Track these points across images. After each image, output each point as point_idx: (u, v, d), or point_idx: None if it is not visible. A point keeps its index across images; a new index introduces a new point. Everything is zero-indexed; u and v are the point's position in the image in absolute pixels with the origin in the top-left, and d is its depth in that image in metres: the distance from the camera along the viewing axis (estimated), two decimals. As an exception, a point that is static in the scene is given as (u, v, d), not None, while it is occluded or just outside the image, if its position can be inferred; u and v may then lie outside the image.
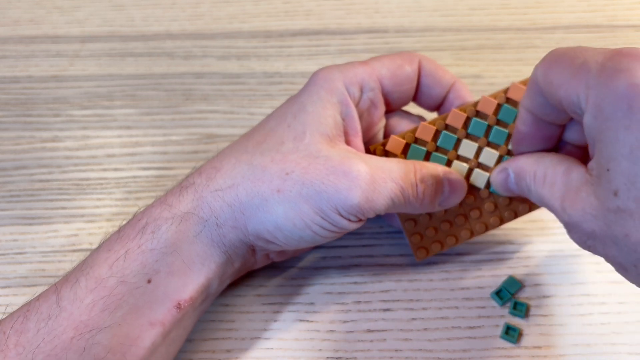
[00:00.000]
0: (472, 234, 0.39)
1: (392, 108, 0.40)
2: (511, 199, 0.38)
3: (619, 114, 0.27)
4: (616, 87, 0.27)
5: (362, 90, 0.37)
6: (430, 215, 0.39)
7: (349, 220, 0.35)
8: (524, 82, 0.37)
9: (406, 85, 0.38)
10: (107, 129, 0.48)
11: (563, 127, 0.34)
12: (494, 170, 0.37)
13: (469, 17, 0.53)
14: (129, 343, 0.33)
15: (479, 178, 0.38)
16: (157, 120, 0.48)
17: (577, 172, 0.30)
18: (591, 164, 0.29)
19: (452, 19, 0.53)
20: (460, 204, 0.38)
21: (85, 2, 0.55)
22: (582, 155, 0.34)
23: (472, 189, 0.38)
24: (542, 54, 0.49)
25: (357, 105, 0.37)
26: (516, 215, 0.39)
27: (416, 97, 0.40)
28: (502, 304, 0.39)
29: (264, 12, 0.54)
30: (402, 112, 0.40)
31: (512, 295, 0.39)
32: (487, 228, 0.39)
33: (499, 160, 0.38)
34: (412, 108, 0.41)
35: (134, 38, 0.52)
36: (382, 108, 0.39)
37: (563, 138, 0.35)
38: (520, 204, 0.39)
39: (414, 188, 0.36)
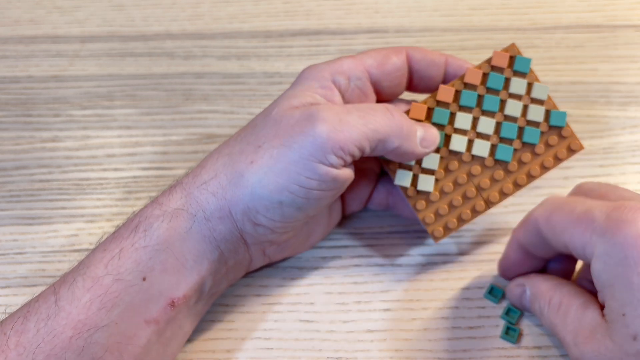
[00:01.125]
0: (487, 204, 0.39)
1: (383, 98, 0.40)
2: (520, 163, 0.39)
3: (629, 261, 0.29)
4: (625, 237, 0.30)
5: (349, 80, 0.38)
6: (440, 191, 0.39)
7: (330, 164, 0.34)
8: (507, 50, 0.39)
9: (394, 73, 0.39)
10: (107, 129, 0.48)
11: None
12: (511, 283, 0.38)
13: (469, 17, 0.53)
14: (126, 342, 0.33)
15: (481, 147, 0.39)
16: (157, 120, 0.48)
17: (592, 311, 0.32)
18: (605, 310, 0.31)
19: (452, 19, 0.53)
20: (467, 175, 0.39)
21: (85, 2, 0.55)
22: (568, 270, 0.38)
23: (476, 159, 0.39)
24: (542, 54, 0.50)
25: (345, 94, 0.38)
26: (529, 177, 0.39)
27: (415, 86, 0.40)
28: (498, 302, 0.39)
29: (264, 12, 0.54)
30: (396, 100, 0.41)
31: (504, 292, 0.39)
32: (502, 196, 0.39)
33: (497, 127, 0.39)
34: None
35: (134, 38, 0.52)
36: (372, 97, 0.39)
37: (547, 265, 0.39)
38: (531, 166, 0.39)
39: (387, 113, 0.36)
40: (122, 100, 0.49)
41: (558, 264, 0.38)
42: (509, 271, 0.39)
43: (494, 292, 0.39)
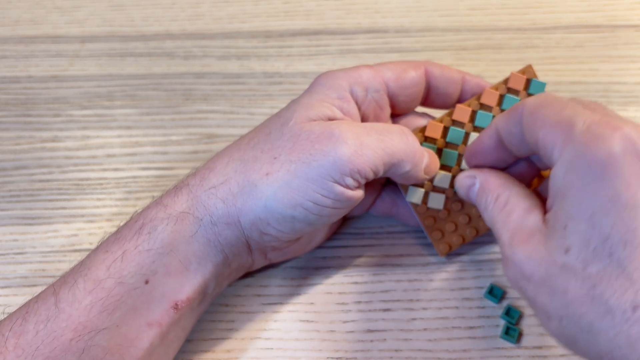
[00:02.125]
0: None
1: (398, 112, 0.40)
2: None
3: (590, 177, 0.28)
4: (596, 151, 0.28)
5: (366, 91, 0.37)
6: (448, 210, 0.39)
7: (346, 186, 0.34)
8: (523, 71, 0.39)
9: (411, 88, 0.38)
10: (107, 129, 0.48)
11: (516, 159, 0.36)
12: (461, 173, 0.37)
13: (469, 17, 0.53)
14: (127, 344, 0.33)
15: None
16: (157, 120, 0.48)
17: (535, 215, 0.31)
18: (548, 215, 0.30)
19: (452, 19, 0.53)
20: None
21: (85, 2, 0.55)
22: (530, 176, 0.36)
23: None
24: (542, 54, 0.50)
25: (361, 105, 0.37)
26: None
27: (431, 101, 0.40)
28: (498, 302, 0.39)
29: (264, 12, 0.54)
30: (410, 113, 0.41)
31: (504, 292, 0.39)
32: None
33: None
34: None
35: (134, 38, 0.52)
36: (387, 110, 0.39)
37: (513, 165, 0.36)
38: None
39: (404, 137, 0.36)
40: (122, 100, 0.49)
41: (520, 168, 0.36)
42: (475, 157, 0.36)
43: (494, 292, 0.39)
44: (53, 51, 0.52)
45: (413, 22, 0.53)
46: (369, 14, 0.53)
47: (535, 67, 0.39)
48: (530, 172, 0.36)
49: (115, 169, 0.46)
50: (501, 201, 0.33)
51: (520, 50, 0.50)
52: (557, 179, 0.30)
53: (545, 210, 0.31)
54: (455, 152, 0.39)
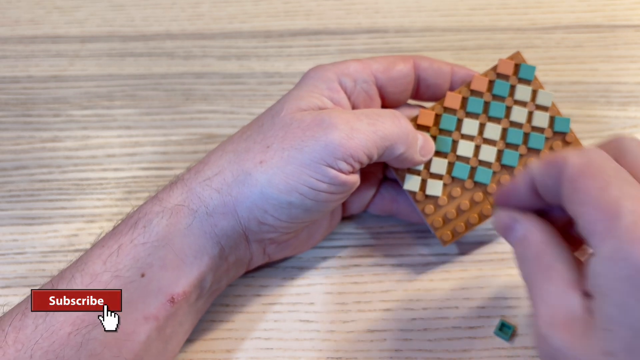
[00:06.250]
0: (495, 208, 0.38)
1: (388, 104, 0.40)
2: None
3: (633, 283, 0.26)
4: (639, 257, 0.26)
5: (355, 82, 0.38)
6: (448, 196, 0.39)
7: (339, 170, 0.34)
8: (512, 57, 0.40)
9: (400, 80, 0.39)
10: (107, 129, 0.48)
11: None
12: (503, 212, 0.33)
13: (469, 17, 0.53)
14: (124, 338, 0.33)
15: (488, 153, 0.39)
16: (157, 120, 0.48)
17: (577, 297, 0.29)
18: (592, 305, 0.28)
19: (452, 19, 0.52)
20: (475, 180, 0.39)
21: (85, 2, 0.55)
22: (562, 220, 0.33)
23: (483, 164, 0.39)
24: (542, 54, 0.50)
25: (351, 95, 0.38)
26: None
27: (421, 94, 0.40)
28: (509, 339, 0.38)
29: (264, 12, 0.54)
30: (402, 106, 0.41)
31: (515, 329, 0.38)
32: None
33: (504, 133, 0.39)
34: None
35: (134, 38, 0.52)
36: (377, 101, 0.39)
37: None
38: None
39: (395, 119, 0.36)
40: (122, 100, 0.49)
41: (554, 212, 0.33)
42: (506, 198, 0.34)
43: (505, 329, 0.38)
44: (53, 51, 0.52)
45: (413, 22, 0.53)
46: (369, 14, 0.53)
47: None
48: (563, 217, 0.32)
49: (115, 169, 0.46)
50: (543, 263, 0.30)
51: (520, 50, 0.50)
52: (597, 275, 0.27)
53: (584, 290, 0.29)
54: (449, 139, 0.39)
